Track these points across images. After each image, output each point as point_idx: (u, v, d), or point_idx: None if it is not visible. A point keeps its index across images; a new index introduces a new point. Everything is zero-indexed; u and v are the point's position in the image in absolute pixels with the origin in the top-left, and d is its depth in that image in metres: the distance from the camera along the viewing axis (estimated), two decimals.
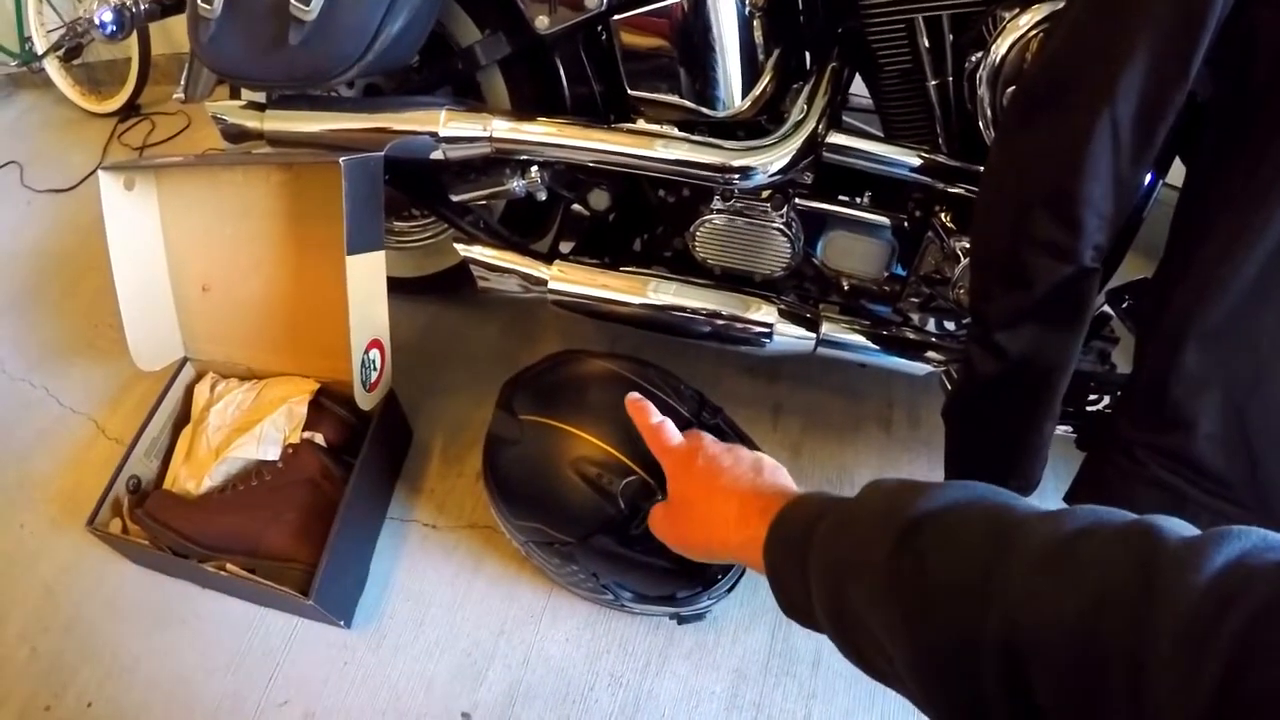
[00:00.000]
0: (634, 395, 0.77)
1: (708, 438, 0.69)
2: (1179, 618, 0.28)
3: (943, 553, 0.38)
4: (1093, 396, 0.87)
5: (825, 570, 0.45)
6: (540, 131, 0.90)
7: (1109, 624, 0.30)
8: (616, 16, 0.83)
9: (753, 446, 0.86)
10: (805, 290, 1.05)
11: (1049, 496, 0.95)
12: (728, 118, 0.86)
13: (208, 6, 0.86)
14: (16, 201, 1.79)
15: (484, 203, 1.05)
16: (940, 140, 0.84)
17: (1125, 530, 0.33)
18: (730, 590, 0.86)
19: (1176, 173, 0.70)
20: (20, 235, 1.68)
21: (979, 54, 0.74)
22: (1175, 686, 0.27)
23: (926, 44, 0.79)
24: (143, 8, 1.10)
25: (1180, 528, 0.33)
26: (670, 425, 0.73)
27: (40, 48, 2.06)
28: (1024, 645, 0.32)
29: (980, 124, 0.77)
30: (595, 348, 1.01)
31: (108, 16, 1.15)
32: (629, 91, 0.88)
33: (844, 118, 0.91)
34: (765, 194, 0.93)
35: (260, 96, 1.01)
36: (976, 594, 0.34)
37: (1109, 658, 0.30)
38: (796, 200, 0.94)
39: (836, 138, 0.85)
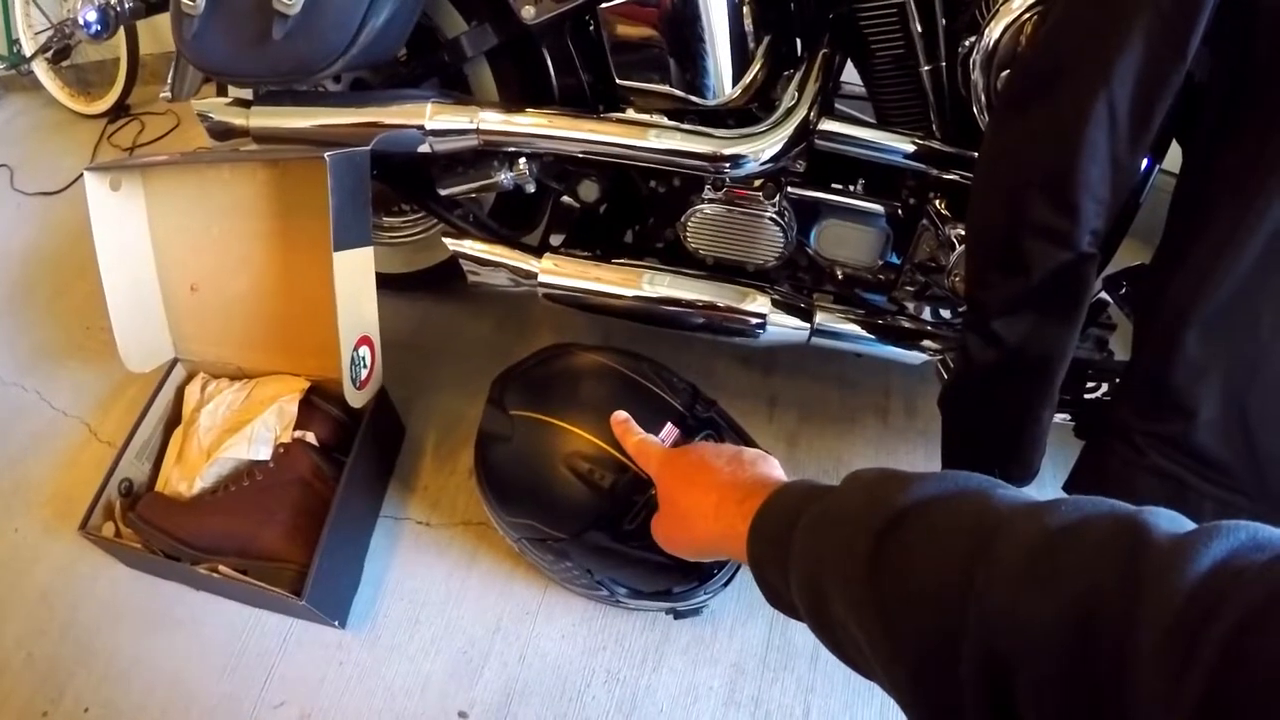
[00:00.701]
0: (618, 415, 0.77)
1: (695, 444, 0.69)
2: (1164, 622, 0.27)
3: (922, 552, 0.37)
4: (1091, 384, 0.86)
5: (805, 569, 0.44)
6: (528, 123, 0.89)
7: (1093, 628, 0.29)
8: (604, 5, 0.82)
9: (748, 439, 0.85)
10: (799, 280, 1.04)
11: (1048, 485, 0.94)
12: (718, 106, 0.85)
13: (191, 3, 0.85)
14: (6, 205, 1.78)
15: (473, 196, 1.04)
16: (934, 126, 0.83)
17: (1111, 528, 0.32)
18: (727, 584, 0.85)
19: (1173, 158, 0.69)
20: (11, 239, 1.67)
21: (972, 38, 0.73)
22: (1160, 693, 0.26)
23: (919, 29, 0.78)
24: (127, 6, 1.09)
25: (1170, 522, 0.31)
26: (653, 438, 0.75)
27: (28, 50, 2.04)
28: (1005, 650, 0.31)
29: (974, 109, 0.76)
30: (588, 341, 1.00)
31: (92, 15, 1.14)
32: (617, 81, 0.87)
33: (836, 104, 0.90)
34: (757, 183, 0.92)
35: (247, 93, 1.00)
36: (956, 596, 0.33)
37: (1093, 662, 0.29)
38: (789, 189, 0.93)
39: (828, 125, 0.84)
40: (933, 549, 0.36)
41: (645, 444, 0.73)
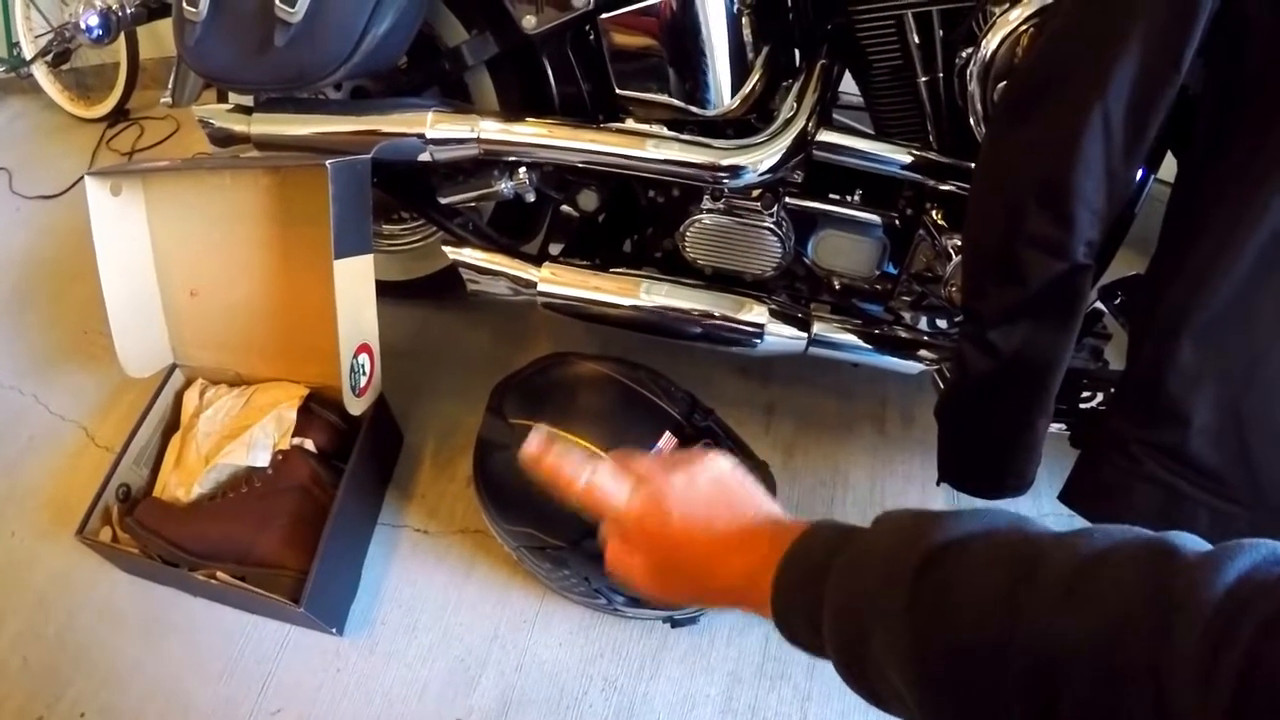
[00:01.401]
0: (528, 451, 0.49)
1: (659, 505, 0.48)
2: (1195, 633, 0.28)
3: (962, 592, 0.37)
4: (1086, 394, 0.86)
5: (840, 616, 0.41)
6: (528, 132, 0.89)
7: (1128, 644, 0.30)
8: (604, 15, 0.82)
9: (745, 448, 0.85)
10: (796, 290, 1.04)
11: (1043, 495, 0.94)
12: (717, 116, 0.86)
13: (193, 9, 0.85)
14: (5, 209, 1.78)
15: (473, 205, 1.04)
16: (931, 137, 0.84)
17: (1141, 550, 0.33)
18: None
19: (1168, 169, 0.69)
20: (9, 242, 1.67)
21: (969, 49, 0.73)
22: (1194, 701, 0.28)
23: (916, 40, 0.78)
24: (129, 11, 1.09)
25: (1195, 544, 0.33)
26: (601, 478, 0.48)
27: (28, 53, 2.04)
28: (1049, 677, 0.32)
29: (971, 120, 0.76)
30: (586, 350, 1.00)
31: (94, 20, 1.14)
32: (617, 91, 0.87)
33: (834, 115, 0.91)
34: (755, 193, 0.92)
35: (248, 100, 1.00)
36: (999, 631, 0.34)
37: (1130, 677, 0.30)
38: (786, 199, 0.94)
39: (826, 135, 0.85)
40: (975, 581, 0.37)
41: (595, 491, 0.49)
